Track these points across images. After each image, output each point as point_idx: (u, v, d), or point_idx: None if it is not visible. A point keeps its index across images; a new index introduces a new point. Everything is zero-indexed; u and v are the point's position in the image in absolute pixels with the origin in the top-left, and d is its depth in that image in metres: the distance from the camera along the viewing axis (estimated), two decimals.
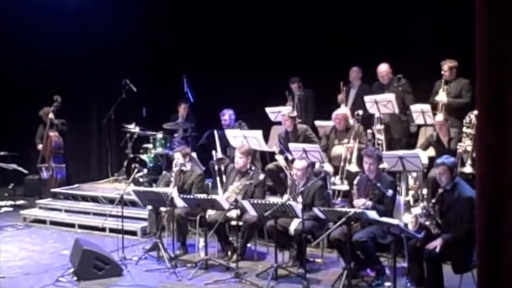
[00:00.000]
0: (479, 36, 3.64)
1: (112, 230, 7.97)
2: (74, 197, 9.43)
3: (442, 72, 7.94)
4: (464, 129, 7.05)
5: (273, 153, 8.25)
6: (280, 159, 7.89)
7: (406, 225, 5.57)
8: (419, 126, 8.26)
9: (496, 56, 3.59)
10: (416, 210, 5.68)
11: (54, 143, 10.04)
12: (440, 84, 7.96)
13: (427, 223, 5.61)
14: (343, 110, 8.00)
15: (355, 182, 6.56)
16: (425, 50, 8.82)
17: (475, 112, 6.61)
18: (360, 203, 6.07)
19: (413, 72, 8.46)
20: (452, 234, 5.48)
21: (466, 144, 6.99)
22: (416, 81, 8.51)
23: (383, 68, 8.41)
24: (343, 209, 6.12)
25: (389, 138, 8.21)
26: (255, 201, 6.39)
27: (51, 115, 10.01)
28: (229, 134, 8.45)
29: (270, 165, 8.18)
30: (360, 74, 8.92)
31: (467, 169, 6.87)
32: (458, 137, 7.18)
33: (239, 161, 7.23)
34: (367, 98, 8.05)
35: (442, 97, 7.85)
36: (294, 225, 6.50)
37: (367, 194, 6.24)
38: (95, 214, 8.78)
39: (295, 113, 8.28)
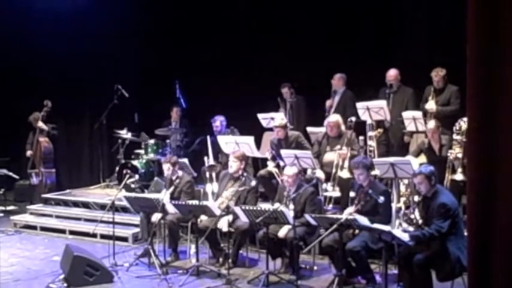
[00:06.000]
0: (470, 44, 3.66)
1: (103, 236, 7.95)
2: (65, 203, 9.40)
3: (434, 83, 7.95)
4: (454, 136, 7.08)
5: (265, 160, 8.25)
6: (271, 166, 7.90)
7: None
8: (411, 133, 8.28)
9: (487, 63, 3.61)
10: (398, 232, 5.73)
11: (44, 148, 10.01)
12: (430, 92, 8.00)
13: (411, 229, 5.67)
14: (335, 117, 8.00)
15: (351, 194, 6.55)
16: (415, 57, 8.87)
17: (465, 119, 6.64)
18: (346, 212, 6.12)
19: (403, 78, 8.49)
20: (421, 231, 5.54)
21: (457, 152, 7.02)
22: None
23: (391, 73, 8.38)
24: (335, 216, 6.13)
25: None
26: (247, 208, 6.39)
27: (40, 123, 9.97)
28: (221, 140, 8.45)
29: (262, 172, 8.18)
30: (342, 81, 8.91)
31: (458, 176, 6.89)
32: (449, 144, 7.21)
33: (233, 165, 7.23)
34: (359, 105, 8.06)
35: (431, 105, 7.90)
36: (283, 231, 6.50)
37: (359, 200, 6.25)
38: (86, 220, 8.75)
39: (285, 121, 8.28)
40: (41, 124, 10.00)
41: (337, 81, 8.90)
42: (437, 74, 7.93)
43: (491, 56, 3.57)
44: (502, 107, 3.57)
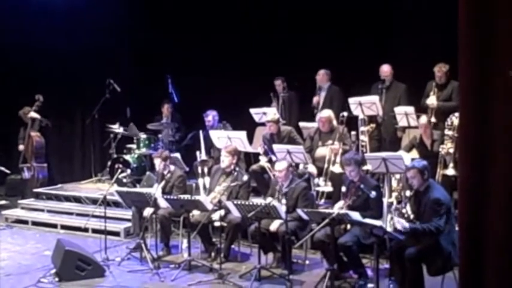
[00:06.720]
0: (462, 40, 3.67)
1: (95, 231, 7.95)
2: (57, 197, 9.38)
3: (436, 78, 7.92)
4: (446, 132, 7.10)
5: (257, 154, 8.24)
6: (263, 160, 7.90)
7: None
8: (403, 129, 8.29)
9: (479, 61, 3.62)
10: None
11: (36, 143, 9.96)
12: (431, 87, 7.97)
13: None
14: (327, 112, 8.01)
15: (343, 189, 6.56)
16: (414, 56, 8.85)
17: (456, 114, 6.67)
18: (337, 206, 6.14)
19: (398, 74, 8.49)
20: (421, 225, 5.55)
21: (448, 147, 7.04)
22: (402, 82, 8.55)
23: (385, 69, 8.39)
24: (327, 210, 6.14)
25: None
26: (239, 202, 6.39)
27: (33, 113, 9.93)
28: (214, 134, 8.44)
29: (254, 166, 8.18)
30: (326, 77, 8.90)
31: (450, 171, 6.92)
32: (441, 139, 7.23)
33: (225, 159, 7.23)
34: (352, 100, 8.06)
35: (432, 101, 7.87)
36: (274, 225, 6.51)
37: (351, 195, 6.26)
38: (78, 214, 8.75)
39: (277, 115, 8.28)
40: (32, 114, 9.94)
41: (322, 77, 8.92)
42: (440, 70, 7.89)
43: (483, 53, 3.58)
44: (494, 104, 3.58)
